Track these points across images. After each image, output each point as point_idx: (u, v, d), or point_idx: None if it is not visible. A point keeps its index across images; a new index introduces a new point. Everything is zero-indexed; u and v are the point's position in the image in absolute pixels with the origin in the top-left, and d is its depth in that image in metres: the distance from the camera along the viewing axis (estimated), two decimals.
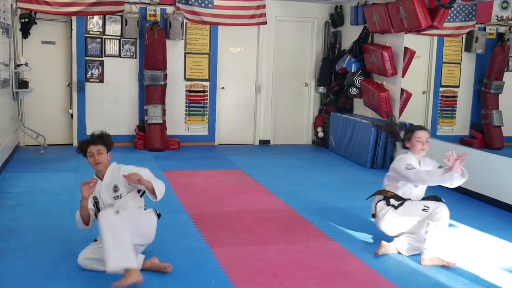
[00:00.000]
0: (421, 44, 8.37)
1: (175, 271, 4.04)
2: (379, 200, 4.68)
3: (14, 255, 4.28)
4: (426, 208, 4.46)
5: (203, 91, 9.72)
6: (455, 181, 4.41)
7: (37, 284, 3.78)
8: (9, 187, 6.34)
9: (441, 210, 4.42)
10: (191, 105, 9.70)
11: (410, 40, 8.04)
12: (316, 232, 5.09)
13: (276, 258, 4.39)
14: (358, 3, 9.07)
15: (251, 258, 4.39)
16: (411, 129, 4.70)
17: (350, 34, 9.43)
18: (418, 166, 4.54)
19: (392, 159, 8.09)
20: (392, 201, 4.59)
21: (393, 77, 8.19)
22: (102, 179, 4.12)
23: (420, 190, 4.65)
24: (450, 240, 4.74)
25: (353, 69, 8.95)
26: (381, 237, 4.74)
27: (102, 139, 4.14)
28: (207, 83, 9.71)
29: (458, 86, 8.57)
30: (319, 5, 9.94)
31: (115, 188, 4.09)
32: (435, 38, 8.41)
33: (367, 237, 4.96)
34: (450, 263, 4.32)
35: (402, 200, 4.57)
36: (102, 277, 3.88)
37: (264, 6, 9.71)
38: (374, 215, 4.75)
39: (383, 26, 8.15)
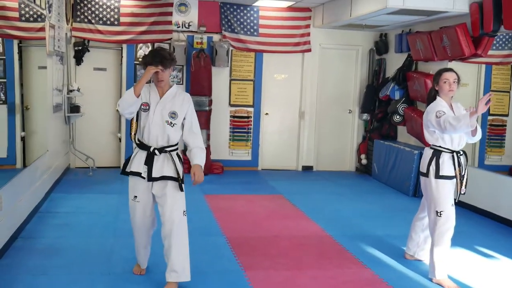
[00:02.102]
0: (468, 72, 8.26)
1: None
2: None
3: (56, 272, 4.46)
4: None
5: (247, 117, 9.88)
6: (478, 131, 4.41)
7: None
8: (56, 207, 6.61)
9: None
10: (235, 130, 9.87)
11: (456, 68, 7.92)
12: (351, 259, 5.08)
13: (309, 284, 4.42)
14: (403, 31, 9.08)
15: (283, 282, 4.43)
16: (438, 72, 4.62)
17: (394, 61, 9.42)
18: (450, 111, 4.44)
19: None
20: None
21: None
22: (160, 96, 4.10)
23: (459, 138, 4.46)
24: (492, 273, 4.64)
25: (397, 96, 8.92)
26: (416, 265, 4.71)
27: (166, 56, 4.07)
28: (251, 109, 9.87)
29: (507, 115, 8.40)
30: (364, 33, 9.99)
31: (173, 115, 4.07)
32: (483, 66, 8.29)
33: (402, 266, 4.92)
34: None
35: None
36: None
37: (308, 34, 9.84)
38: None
39: (427, 54, 8.12)
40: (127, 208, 6.39)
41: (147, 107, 4.06)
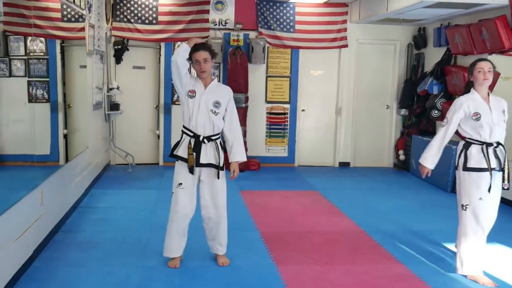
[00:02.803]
0: (509, 65, 8.06)
1: (241, 286, 4.18)
2: None
3: (93, 265, 4.60)
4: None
5: (284, 113, 9.90)
6: None
7: None
8: (96, 203, 6.78)
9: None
10: (272, 127, 9.90)
11: (496, 61, 7.73)
12: (385, 254, 5.06)
13: (341, 279, 4.42)
14: (441, 24, 8.92)
15: (316, 277, 4.45)
16: (473, 63, 4.56)
17: (433, 56, 9.27)
18: (485, 105, 4.42)
19: None
20: None
21: None
22: (205, 87, 4.41)
23: (490, 129, 4.41)
24: None
25: (435, 91, 8.78)
26: (451, 261, 4.66)
27: (208, 48, 4.36)
28: (287, 106, 9.89)
29: None
30: (402, 28, 9.86)
31: (217, 104, 4.40)
32: None
33: (436, 262, 4.86)
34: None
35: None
36: (173, 286, 4.10)
37: (345, 30, 9.79)
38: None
39: (466, 48, 7.97)
40: (164, 204, 6.56)
41: (194, 94, 4.38)
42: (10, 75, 6.06)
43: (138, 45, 9.49)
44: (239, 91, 9.24)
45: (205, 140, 4.41)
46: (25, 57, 6.25)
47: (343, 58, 9.92)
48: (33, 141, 5.90)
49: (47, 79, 6.77)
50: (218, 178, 4.44)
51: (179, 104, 9.59)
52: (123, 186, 7.81)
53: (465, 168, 4.45)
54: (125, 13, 9.21)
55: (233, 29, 9.50)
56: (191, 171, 4.41)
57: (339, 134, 10.06)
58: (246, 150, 9.34)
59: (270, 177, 8.87)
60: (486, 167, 4.38)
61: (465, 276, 4.49)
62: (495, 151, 4.41)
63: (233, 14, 9.55)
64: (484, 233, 4.45)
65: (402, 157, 9.81)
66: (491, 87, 7.61)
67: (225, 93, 4.50)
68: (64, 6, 6.71)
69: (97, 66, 8.17)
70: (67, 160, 6.76)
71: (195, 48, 4.29)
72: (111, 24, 9.16)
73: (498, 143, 4.45)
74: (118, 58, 9.45)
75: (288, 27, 9.64)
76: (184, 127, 4.51)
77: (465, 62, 8.25)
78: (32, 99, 6.52)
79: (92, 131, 7.85)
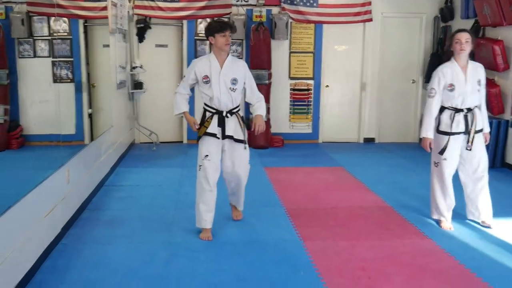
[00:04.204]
0: None
1: (266, 261, 4.18)
2: None
3: (119, 242, 4.64)
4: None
5: (308, 90, 9.80)
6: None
7: (136, 268, 4.08)
8: (121, 181, 6.83)
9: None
10: (296, 103, 9.82)
11: None
12: (412, 229, 5.00)
13: (367, 254, 4.39)
14: None
15: (341, 252, 4.42)
16: (452, 33, 4.93)
17: (463, 28, 9.03)
18: (461, 75, 4.77)
19: (503, 157, 7.72)
20: None
21: (505, 72, 7.78)
22: (221, 65, 4.59)
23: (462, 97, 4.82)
24: None
25: None
26: (480, 234, 4.61)
27: (231, 25, 4.65)
28: (311, 82, 9.79)
29: None
30: (428, 0, 9.64)
31: (234, 81, 4.60)
32: None
33: (465, 236, 4.80)
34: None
35: None
36: (199, 262, 4.12)
37: (369, 3, 9.60)
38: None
39: (495, 19, 7.75)
40: (189, 181, 6.61)
41: (208, 80, 4.58)
42: (35, 56, 6.12)
43: (160, 23, 9.45)
44: (262, 67, 9.17)
45: (228, 114, 4.65)
46: (49, 38, 6.30)
47: (368, 32, 9.76)
48: (58, 121, 5.96)
49: (71, 59, 6.80)
50: (246, 149, 4.78)
51: None
52: (147, 164, 7.85)
53: (438, 131, 4.93)
54: None
55: (255, 5, 9.40)
56: (198, 138, 4.73)
57: (363, 110, 9.94)
58: (270, 127, 9.34)
59: (294, 153, 8.83)
60: (453, 131, 4.85)
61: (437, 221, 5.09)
62: (465, 116, 4.83)
63: None
64: (448, 187, 4.98)
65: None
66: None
67: (241, 69, 4.69)
68: None
69: (120, 45, 8.18)
70: (92, 139, 6.81)
71: (223, 28, 4.50)
72: (133, 3, 9.12)
73: (469, 109, 4.83)
74: (141, 37, 9.43)
75: (311, 1, 9.49)
76: (206, 104, 4.72)
77: (494, 34, 8.05)
78: (56, 79, 6.58)
79: (116, 110, 7.88)
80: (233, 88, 4.60)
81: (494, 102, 7.78)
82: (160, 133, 9.48)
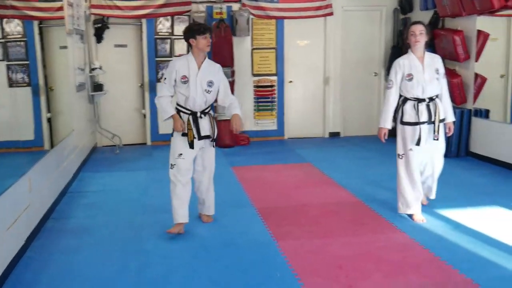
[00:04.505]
0: (497, 26, 7.95)
1: (242, 264, 4.09)
2: None
3: (88, 251, 4.46)
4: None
5: (271, 86, 9.74)
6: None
7: (108, 278, 3.92)
8: (85, 187, 6.63)
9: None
10: (260, 100, 9.75)
11: (484, 22, 7.67)
12: (385, 224, 4.99)
13: (343, 251, 4.34)
14: None
15: (316, 251, 4.36)
16: (408, 26, 5.07)
17: (419, 20, 9.08)
18: (419, 65, 4.88)
19: (467, 146, 7.82)
20: None
21: (466, 62, 7.87)
22: (199, 66, 4.69)
23: (422, 87, 4.91)
24: None
25: None
26: (453, 226, 4.62)
27: (211, 28, 4.76)
28: (274, 78, 9.72)
29: None
30: None
31: (210, 83, 4.70)
32: None
33: (438, 228, 4.81)
34: None
35: None
36: (173, 268, 4.00)
37: None
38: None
39: (454, 10, 7.83)
40: (155, 184, 6.48)
41: (187, 80, 4.65)
42: None
43: (118, 22, 9.23)
44: (225, 65, 8.94)
45: (201, 115, 4.74)
46: (2, 40, 6.05)
47: (329, 26, 9.76)
48: (16, 127, 5.73)
49: (27, 62, 6.57)
50: (214, 147, 4.92)
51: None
52: (111, 168, 7.64)
53: (401, 122, 5.01)
54: None
55: (215, 2, 9.26)
56: (192, 145, 4.69)
57: (327, 104, 9.94)
58: None
59: (261, 151, 8.76)
60: (417, 121, 4.89)
61: (410, 216, 5.08)
62: (428, 106, 4.90)
63: None
64: (415, 178, 5.03)
65: (392, 124, 9.69)
66: (478, 54, 7.57)
67: (217, 72, 4.81)
68: None
69: (77, 46, 7.93)
70: (52, 144, 6.59)
71: (204, 30, 4.66)
72: (90, 2, 8.87)
73: (431, 98, 4.91)
74: (99, 37, 9.19)
75: None
76: (179, 105, 4.77)
77: (453, 24, 8.14)
78: (12, 83, 6.33)
79: (76, 113, 7.65)
80: (208, 90, 4.70)
81: (456, 92, 7.86)
82: (122, 135, 9.27)
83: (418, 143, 4.92)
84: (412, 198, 5.06)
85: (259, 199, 5.89)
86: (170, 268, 4.06)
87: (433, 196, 5.38)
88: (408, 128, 4.97)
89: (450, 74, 7.98)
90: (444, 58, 8.25)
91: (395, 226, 4.89)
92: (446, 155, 7.67)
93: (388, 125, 5.06)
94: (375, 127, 9.96)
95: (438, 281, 3.75)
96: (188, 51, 5.32)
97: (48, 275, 4.01)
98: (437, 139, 4.98)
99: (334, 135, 10.02)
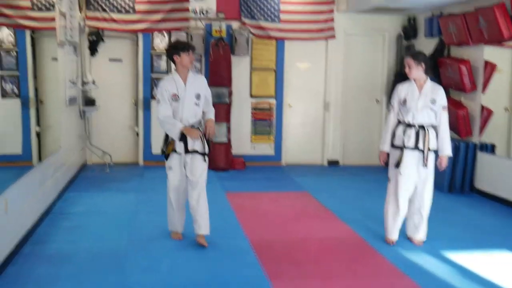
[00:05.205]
0: (503, 58, 7.69)
1: None
2: None
3: (64, 283, 4.09)
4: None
5: (270, 109, 9.43)
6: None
7: None
8: (70, 207, 6.25)
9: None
10: (257, 123, 9.43)
11: (490, 53, 7.42)
12: (387, 266, 4.62)
13: None
14: (433, 14, 8.53)
15: None
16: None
17: (424, 47, 8.86)
18: (416, 92, 4.99)
19: (472, 182, 7.50)
20: None
21: (472, 93, 7.59)
22: (184, 81, 4.88)
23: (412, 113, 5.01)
24: None
25: None
26: (462, 274, 4.27)
27: (193, 46, 5.04)
28: (273, 101, 9.42)
29: None
30: (391, 17, 9.46)
31: (198, 96, 4.91)
32: None
33: (444, 273, 4.46)
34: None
35: None
36: None
37: (332, 20, 9.35)
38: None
39: (461, 38, 7.58)
40: (145, 208, 6.17)
41: (177, 97, 4.84)
42: None
43: (114, 36, 8.94)
44: (222, 85, 8.75)
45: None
46: None
47: (331, 50, 9.49)
48: (3, 140, 5.49)
49: (17, 73, 6.36)
50: (205, 161, 4.94)
51: None
52: (100, 189, 7.28)
53: (391, 145, 5.11)
54: (99, 2, 8.65)
55: (215, 19, 8.99)
56: (166, 157, 4.97)
57: (327, 131, 9.63)
58: (231, 148, 8.91)
59: (257, 177, 8.41)
60: (401, 145, 5.00)
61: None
62: (417, 133, 4.96)
63: (214, 3, 9.05)
64: (400, 205, 5.08)
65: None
66: (485, 85, 7.31)
67: (202, 84, 5.04)
68: None
69: (70, 59, 7.62)
70: (40, 159, 6.28)
71: (188, 48, 4.87)
72: (85, 14, 8.58)
73: (421, 126, 4.97)
74: (93, 50, 8.88)
75: (272, 16, 9.17)
76: None
77: (459, 53, 7.88)
78: (4, 94, 6.10)
79: (65, 129, 7.31)
80: (197, 103, 4.90)
81: (462, 124, 7.57)
82: (114, 153, 8.91)
83: (397, 165, 5.00)
84: (391, 226, 5.17)
85: (253, 230, 5.53)
86: None
87: (420, 237, 5.16)
88: (395, 152, 5.08)
89: (455, 105, 7.71)
90: (449, 88, 8.06)
91: (399, 269, 4.52)
92: (450, 191, 7.48)
93: (386, 148, 5.15)
94: (375, 156, 9.66)
95: None
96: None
97: None
98: (426, 166, 4.98)
99: (333, 163, 9.68)
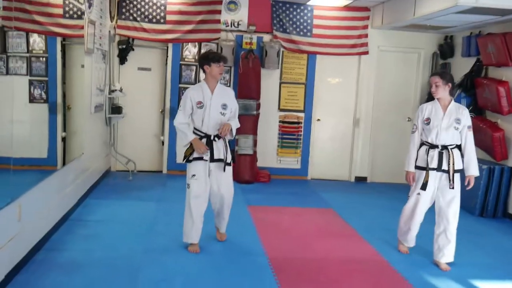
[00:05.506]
0: None
1: None
2: None
3: None
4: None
5: (298, 123, 9.25)
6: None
7: None
8: (88, 215, 6.16)
9: None
10: (284, 136, 9.25)
11: None
12: None
13: None
14: (471, 33, 8.25)
15: None
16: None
17: (460, 66, 8.59)
18: (440, 111, 4.96)
19: (506, 207, 7.17)
20: None
21: (509, 115, 7.27)
22: (212, 91, 4.99)
23: (436, 133, 4.97)
24: None
25: (463, 104, 8.06)
26: None
27: (225, 57, 5.14)
28: (302, 114, 9.24)
29: None
30: (427, 35, 9.21)
31: (224, 106, 5.00)
32: None
33: None
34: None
35: None
36: None
37: (366, 35, 9.14)
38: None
39: (500, 58, 7.28)
40: (164, 218, 6.03)
41: (202, 105, 4.95)
42: (7, 73, 5.61)
43: (144, 45, 8.89)
44: (251, 97, 8.61)
45: (215, 138, 4.99)
46: (27, 55, 5.81)
47: (363, 65, 9.27)
48: (31, 144, 5.47)
49: (46, 79, 6.32)
50: (224, 170, 5.04)
51: None
52: (121, 196, 7.18)
53: (415, 166, 5.12)
54: (131, 11, 8.62)
55: (246, 31, 8.89)
56: (188, 160, 4.98)
57: (356, 147, 9.39)
58: (256, 160, 8.76)
59: (281, 191, 8.20)
60: (425, 166, 4.99)
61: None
62: (440, 154, 4.92)
63: (246, 16, 8.93)
64: (418, 215, 5.17)
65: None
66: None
67: (230, 95, 5.17)
68: (67, 2, 6.23)
69: (98, 66, 7.59)
70: (64, 164, 6.23)
71: (219, 59, 4.97)
72: (116, 22, 8.57)
73: (445, 147, 4.93)
74: (122, 59, 8.85)
75: (305, 31, 9.02)
76: (195, 129, 5.03)
77: (498, 74, 7.58)
78: (33, 99, 6.08)
79: (89, 136, 7.25)
80: (223, 113, 4.99)
81: (497, 147, 7.26)
82: (138, 161, 8.84)
83: (423, 188, 4.99)
84: (402, 236, 5.36)
85: (273, 247, 5.33)
86: None
87: (447, 259, 4.97)
88: (418, 172, 5.08)
89: (492, 127, 7.41)
90: (485, 110, 7.76)
91: None
92: (481, 214, 7.16)
93: (411, 168, 5.13)
94: (404, 174, 9.41)
95: None
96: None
97: None
98: (453, 188, 4.90)
99: (361, 180, 9.44)
